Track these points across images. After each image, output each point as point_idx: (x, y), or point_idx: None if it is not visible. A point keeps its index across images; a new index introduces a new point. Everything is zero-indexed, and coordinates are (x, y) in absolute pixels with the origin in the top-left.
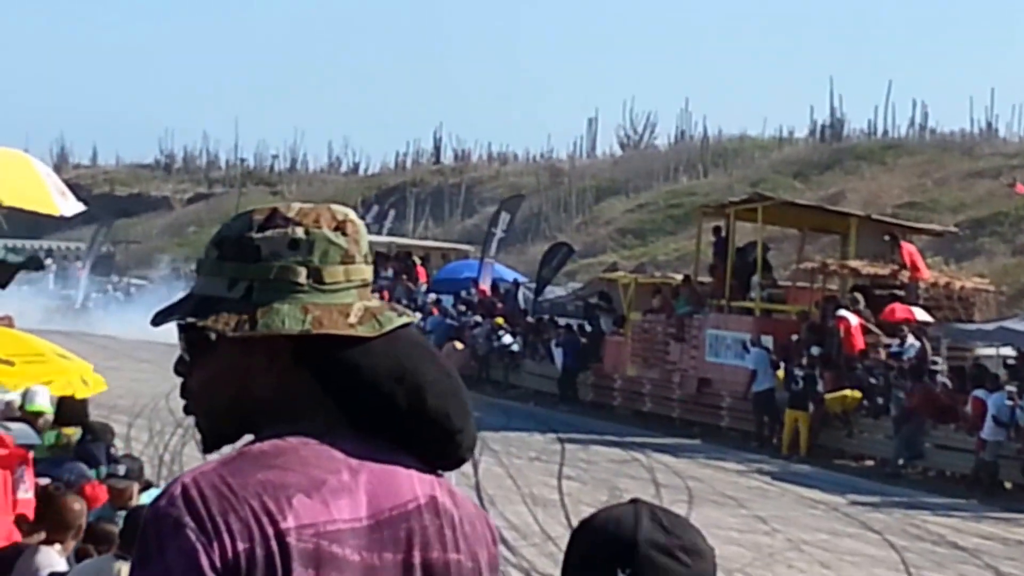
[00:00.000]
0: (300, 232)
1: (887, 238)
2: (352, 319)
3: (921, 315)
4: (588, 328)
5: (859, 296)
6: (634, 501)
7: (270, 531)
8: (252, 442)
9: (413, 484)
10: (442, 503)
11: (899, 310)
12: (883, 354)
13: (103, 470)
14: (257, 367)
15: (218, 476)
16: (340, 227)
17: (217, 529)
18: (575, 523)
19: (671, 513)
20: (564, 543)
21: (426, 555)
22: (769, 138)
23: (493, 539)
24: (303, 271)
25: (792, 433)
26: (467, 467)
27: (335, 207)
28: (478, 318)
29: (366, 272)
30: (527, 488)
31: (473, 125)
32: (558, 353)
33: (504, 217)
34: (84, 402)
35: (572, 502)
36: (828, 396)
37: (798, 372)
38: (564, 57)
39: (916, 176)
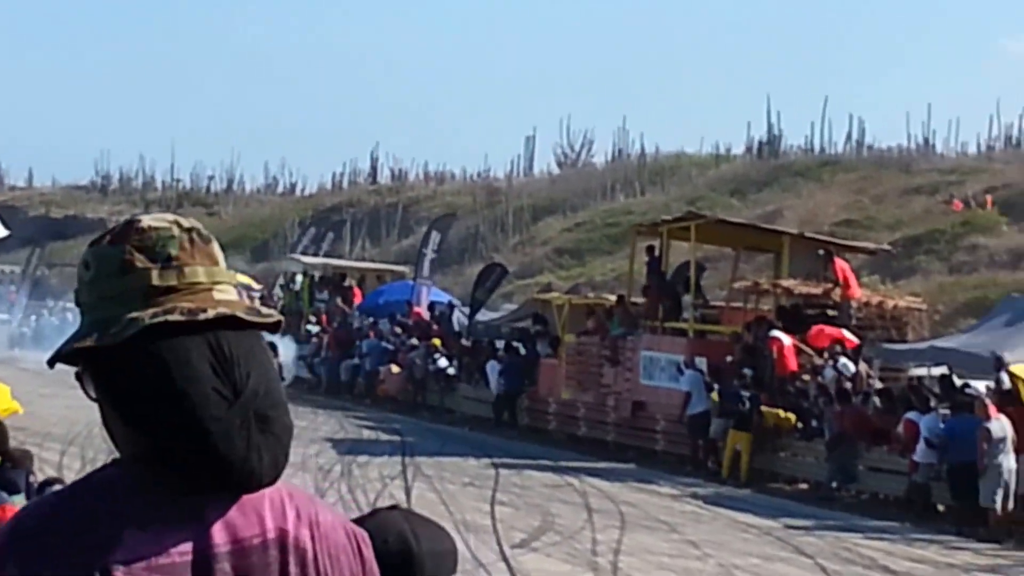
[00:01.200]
0: (88, 252)
1: (822, 252)
2: (112, 330)
3: (848, 336)
4: (523, 351)
5: (776, 321)
6: (395, 507)
7: (96, 565)
8: (93, 472)
9: (263, 517)
10: (294, 537)
11: (825, 332)
12: (817, 376)
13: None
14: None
15: (50, 508)
16: (119, 237)
17: (44, 563)
18: (507, 549)
19: (423, 517)
20: (496, 570)
21: None
22: (706, 155)
23: (365, 570)
24: (89, 289)
25: (732, 456)
26: (399, 493)
27: (137, 215)
28: (415, 341)
29: (159, 277)
30: (460, 514)
31: (410, 144)
32: (493, 376)
33: (435, 236)
34: (4, 430)
35: (504, 528)
36: (764, 409)
37: (745, 393)
38: (501, 74)
39: (853, 193)
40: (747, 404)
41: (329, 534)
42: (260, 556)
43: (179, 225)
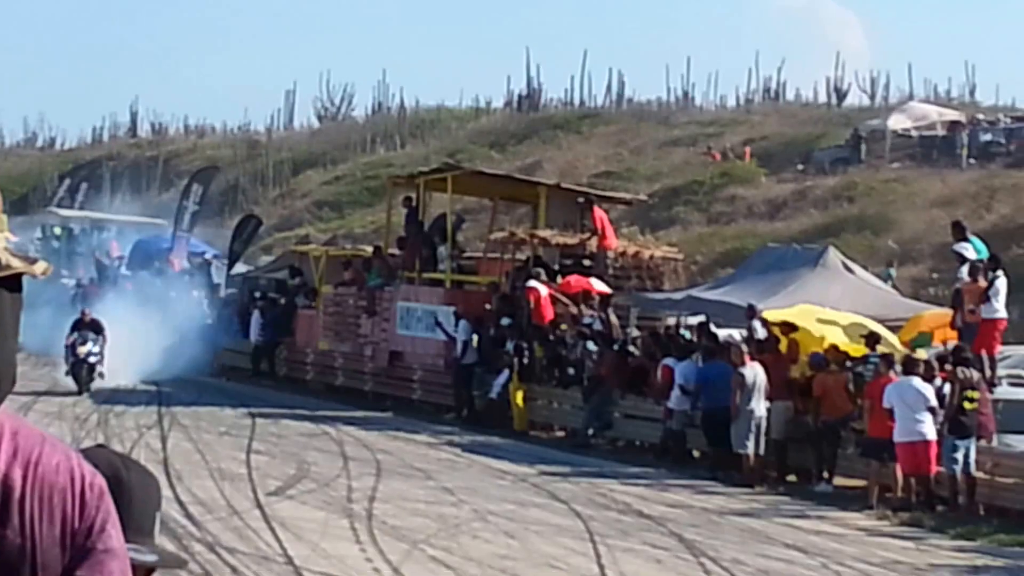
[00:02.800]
0: None
1: (582, 200)
2: None
3: (599, 286)
4: (281, 302)
5: (539, 269)
6: (102, 447)
7: None
8: None
9: None
10: (3, 475)
11: (576, 281)
12: (576, 325)
13: None
14: None
15: None
16: None
17: None
18: (262, 496)
19: (128, 455)
20: (250, 517)
21: None
22: (466, 108)
23: (82, 515)
24: None
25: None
26: (155, 442)
27: None
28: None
29: None
30: (216, 463)
31: (170, 98)
32: (256, 327)
33: (196, 189)
34: None
35: (260, 476)
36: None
37: (524, 344)
38: (261, 28)
39: (612, 145)
40: (525, 355)
41: (46, 475)
42: None
43: None
